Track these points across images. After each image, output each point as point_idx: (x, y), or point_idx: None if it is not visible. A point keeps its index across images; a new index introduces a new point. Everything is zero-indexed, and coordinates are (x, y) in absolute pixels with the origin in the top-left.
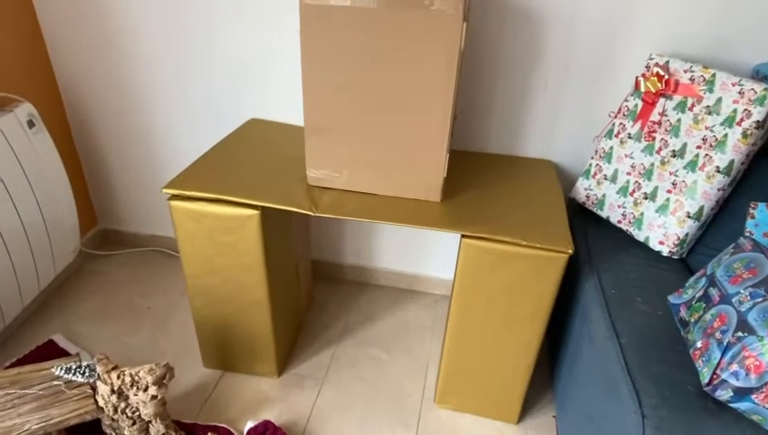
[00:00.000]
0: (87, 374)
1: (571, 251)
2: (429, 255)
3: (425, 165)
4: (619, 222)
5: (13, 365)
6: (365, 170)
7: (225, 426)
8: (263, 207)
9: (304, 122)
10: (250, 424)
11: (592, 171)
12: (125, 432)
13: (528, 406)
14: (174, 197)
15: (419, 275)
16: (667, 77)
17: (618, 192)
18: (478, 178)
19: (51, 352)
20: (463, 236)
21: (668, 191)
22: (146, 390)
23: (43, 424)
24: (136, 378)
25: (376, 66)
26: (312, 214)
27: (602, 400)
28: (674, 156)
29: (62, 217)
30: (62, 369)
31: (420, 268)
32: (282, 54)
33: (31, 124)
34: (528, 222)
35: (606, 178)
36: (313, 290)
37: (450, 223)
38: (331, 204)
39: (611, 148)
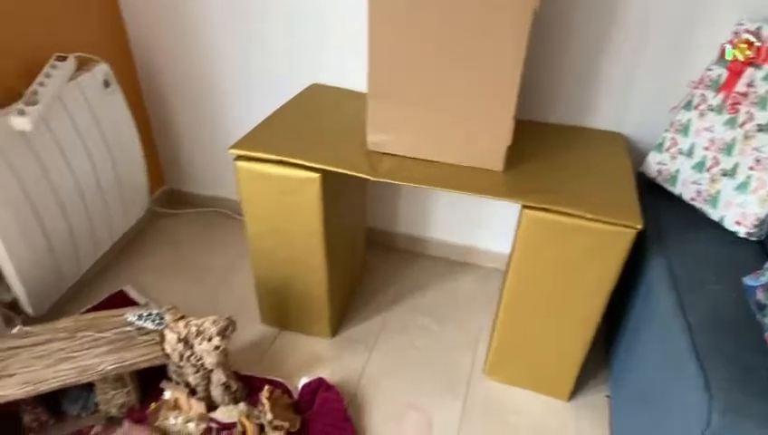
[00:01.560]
0: (157, 322)
1: (640, 227)
2: (484, 227)
3: (489, 132)
4: (693, 199)
5: (88, 311)
6: (426, 136)
7: (280, 380)
8: (323, 171)
9: (368, 86)
10: (304, 380)
11: (666, 145)
12: (189, 379)
13: (580, 384)
14: (239, 157)
15: (473, 248)
16: (758, 44)
17: (693, 167)
18: (542, 149)
19: (121, 301)
20: (524, 206)
21: (751, 168)
22: (210, 340)
23: (116, 365)
24: (201, 328)
25: (445, 28)
26: (372, 178)
27: (665, 380)
28: (759, 130)
29: (133, 176)
30: (135, 316)
31: (474, 240)
32: (344, 19)
33: (107, 84)
34: (594, 195)
35: (681, 153)
36: (366, 257)
37: (512, 192)
38: (391, 169)
39: (689, 120)
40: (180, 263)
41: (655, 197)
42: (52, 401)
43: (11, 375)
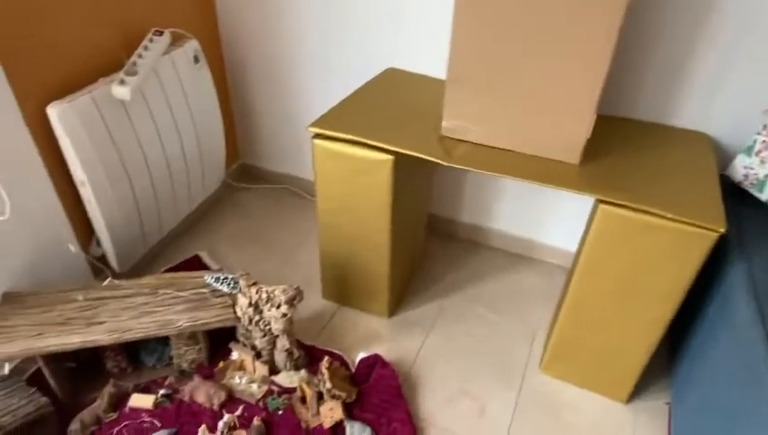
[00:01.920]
0: (231, 286)
1: (722, 230)
2: (550, 222)
3: (568, 123)
4: None
5: (166, 272)
6: (503, 125)
7: (338, 352)
8: (397, 153)
9: (447, 70)
10: (362, 354)
11: (756, 148)
12: (256, 342)
13: (640, 388)
14: (317, 135)
15: (537, 242)
16: None
17: None
18: (621, 145)
19: (196, 266)
20: (600, 201)
21: None
22: (278, 307)
23: (191, 323)
24: (271, 295)
25: (533, 15)
26: (445, 163)
27: (740, 392)
28: None
29: (213, 149)
30: (212, 278)
31: (539, 235)
32: (422, 3)
33: (196, 60)
34: (675, 195)
35: None
36: (427, 244)
37: (588, 186)
38: (464, 156)
39: None
40: (250, 235)
41: (738, 201)
42: (132, 351)
43: (101, 323)
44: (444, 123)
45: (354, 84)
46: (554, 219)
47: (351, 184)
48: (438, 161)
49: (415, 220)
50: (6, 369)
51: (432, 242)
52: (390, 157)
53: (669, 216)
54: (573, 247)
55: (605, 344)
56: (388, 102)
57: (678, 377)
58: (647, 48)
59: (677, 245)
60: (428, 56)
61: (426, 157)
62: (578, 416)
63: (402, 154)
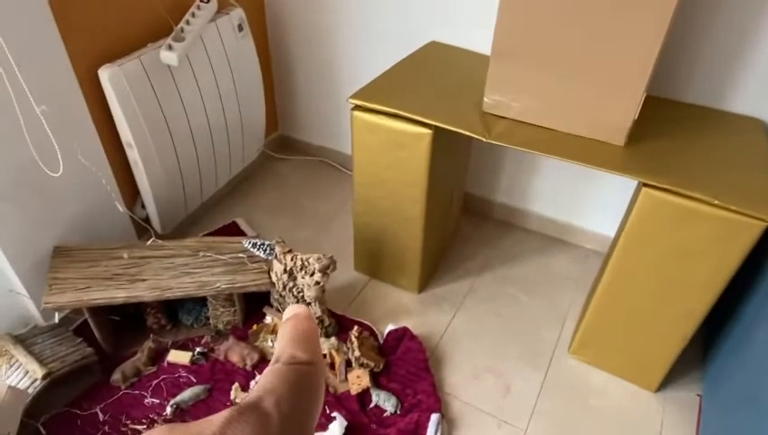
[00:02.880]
0: (267, 252)
1: None
2: (589, 205)
3: (615, 103)
4: None
5: (205, 236)
6: (546, 102)
7: (368, 323)
8: (436, 128)
9: (492, 44)
10: (391, 326)
11: None
12: None
13: (670, 378)
14: (357, 107)
15: (573, 226)
16: None
17: None
18: (670, 128)
19: (233, 231)
20: (644, 184)
21: None
22: (312, 275)
23: (229, 285)
24: (305, 263)
25: None
26: (484, 140)
27: None
28: None
29: (253, 118)
30: (249, 243)
31: (575, 218)
32: None
33: (240, 28)
34: (722, 181)
35: None
36: (461, 222)
37: (631, 169)
38: (504, 132)
39: None
40: (286, 205)
41: None
42: (171, 310)
43: (143, 280)
44: (485, 99)
45: (396, 57)
46: (594, 203)
47: (389, 157)
48: (477, 137)
49: (450, 197)
50: (56, 318)
51: (466, 221)
52: (429, 131)
53: (715, 202)
54: (611, 233)
55: (638, 332)
56: (429, 76)
57: (712, 369)
58: (703, 29)
59: (722, 233)
60: (472, 30)
61: (465, 132)
62: (604, 401)
63: (441, 129)
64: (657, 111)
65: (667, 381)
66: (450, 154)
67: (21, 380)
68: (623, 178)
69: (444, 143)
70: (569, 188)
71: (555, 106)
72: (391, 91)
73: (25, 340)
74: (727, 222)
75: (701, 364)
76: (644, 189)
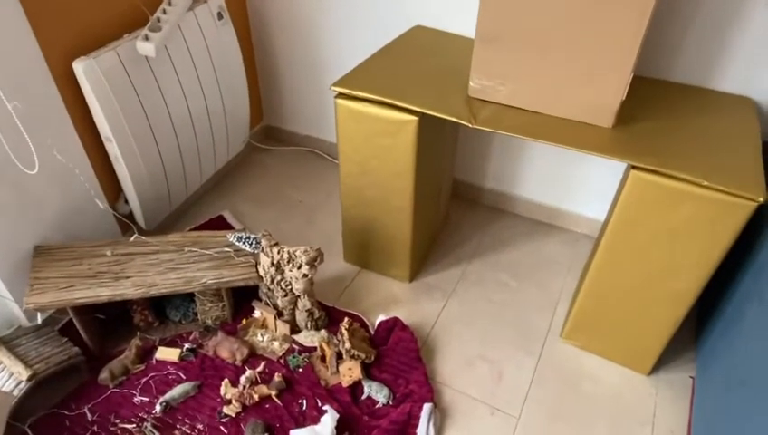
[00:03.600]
0: (254, 245)
1: (761, 199)
2: (577, 189)
3: (602, 84)
4: None
5: (191, 231)
6: (532, 85)
7: (358, 314)
8: (421, 114)
9: (476, 28)
10: (381, 317)
11: None
12: (277, 301)
13: (663, 360)
14: (340, 95)
15: (562, 210)
16: None
17: None
18: (657, 108)
19: (220, 225)
20: (632, 167)
21: None
22: (299, 267)
23: (216, 280)
24: (292, 256)
25: None
26: (470, 125)
27: (765, 367)
28: None
29: (237, 109)
30: (234, 237)
31: (564, 202)
32: None
33: (220, 17)
34: (712, 162)
35: None
36: (450, 209)
37: (619, 151)
38: (491, 118)
39: None
40: (273, 196)
41: None
42: (158, 307)
43: (128, 277)
44: (471, 84)
45: (381, 43)
46: (583, 186)
47: (374, 145)
48: (464, 123)
49: (438, 184)
50: (39, 319)
51: (455, 208)
52: (414, 118)
53: (704, 183)
54: (601, 216)
55: (629, 315)
56: (413, 62)
57: (704, 350)
58: (690, 6)
59: (712, 214)
60: (457, 14)
61: (451, 118)
62: (598, 386)
63: (427, 115)
64: (645, 91)
65: (660, 364)
66: (437, 141)
67: (6, 382)
68: (612, 161)
69: (430, 130)
70: (558, 172)
71: (541, 89)
72: (375, 77)
73: (9, 341)
74: (717, 203)
75: (693, 346)
76: (632, 172)
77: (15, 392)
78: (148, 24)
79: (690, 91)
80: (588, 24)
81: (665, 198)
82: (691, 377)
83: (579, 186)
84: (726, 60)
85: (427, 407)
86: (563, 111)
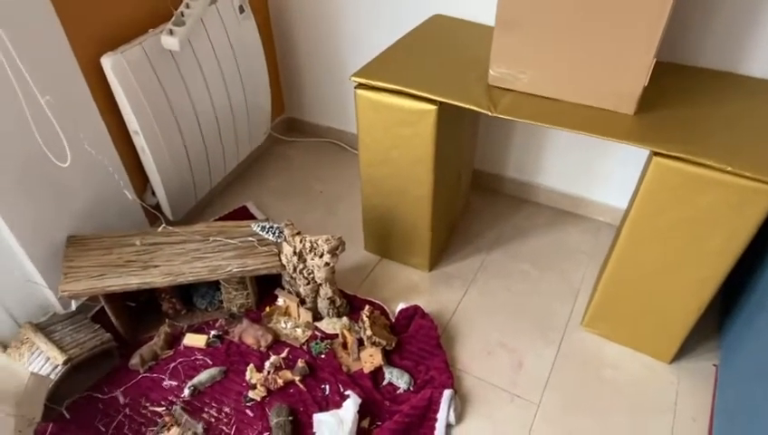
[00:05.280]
0: (276, 235)
1: None
2: (600, 178)
3: (623, 70)
4: None
5: (215, 221)
6: (553, 72)
7: (379, 302)
8: (441, 103)
9: (496, 15)
10: (402, 305)
11: None
12: (300, 289)
13: (685, 348)
14: (360, 86)
15: (584, 199)
16: None
17: None
18: (683, 95)
19: (243, 216)
20: (654, 153)
21: None
22: (321, 256)
23: (240, 269)
24: (315, 245)
25: None
26: (490, 114)
27: None
28: None
29: (259, 101)
30: (258, 227)
31: (587, 191)
32: None
33: (241, 10)
34: (737, 148)
35: None
36: (471, 199)
37: (642, 138)
38: (511, 106)
39: None
40: (295, 187)
41: None
42: (186, 295)
43: (156, 266)
44: (491, 72)
45: (400, 32)
46: (605, 174)
47: (394, 135)
48: (484, 112)
49: (458, 173)
50: (73, 306)
51: (476, 197)
52: (434, 107)
53: (728, 169)
54: (623, 204)
55: (651, 303)
56: (433, 51)
57: (728, 338)
58: None
59: (736, 201)
60: (476, 1)
61: (470, 107)
62: (618, 373)
63: (446, 104)
64: (669, 76)
65: (682, 352)
66: (457, 130)
67: (42, 366)
68: (634, 148)
69: (450, 119)
70: (579, 160)
71: (561, 76)
72: (395, 67)
73: (45, 328)
74: (741, 189)
75: (716, 334)
76: (655, 159)
77: (52, 376)
78: (172, 18)
79: (715, 76)
80: (609, 6)
81: (688, 185)
82: (714, 365)
83: (601, 174)
84: (755, 45)
85: (447, 393)
86: (584, 97)
